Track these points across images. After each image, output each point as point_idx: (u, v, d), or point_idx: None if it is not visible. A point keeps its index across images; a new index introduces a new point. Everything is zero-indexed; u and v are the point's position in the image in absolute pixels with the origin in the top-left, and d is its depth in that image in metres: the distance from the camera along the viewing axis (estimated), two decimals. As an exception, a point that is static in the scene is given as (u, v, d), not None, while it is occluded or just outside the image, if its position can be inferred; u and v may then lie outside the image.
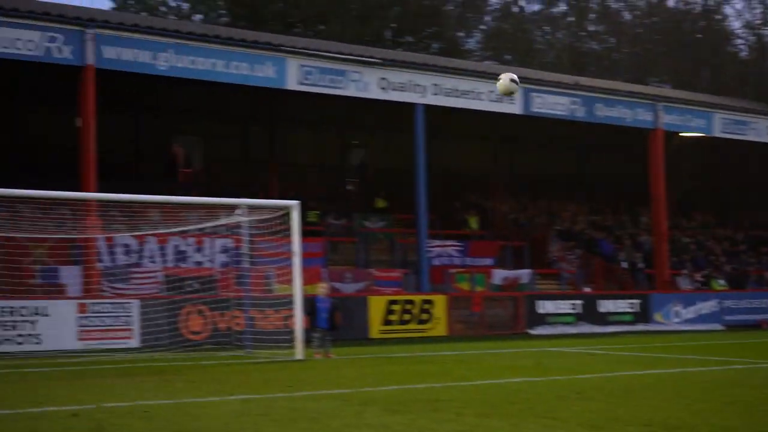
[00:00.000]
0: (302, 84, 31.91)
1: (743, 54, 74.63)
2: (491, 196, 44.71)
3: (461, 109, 35.44)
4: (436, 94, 34.55)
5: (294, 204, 24.30)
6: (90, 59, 28.13)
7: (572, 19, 74.33)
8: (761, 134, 43.54)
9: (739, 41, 75.49)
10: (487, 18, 74.48)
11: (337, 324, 24.33)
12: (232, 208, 25.04)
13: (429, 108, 34.30)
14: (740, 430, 12.57)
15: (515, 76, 18.87)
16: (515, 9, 74.28)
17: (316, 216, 37.24)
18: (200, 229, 27.86)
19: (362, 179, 45.24)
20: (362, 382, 17.90)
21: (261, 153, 41.07)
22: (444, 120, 37.22)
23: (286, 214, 24.47)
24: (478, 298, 34.48)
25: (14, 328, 24.82)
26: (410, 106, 34.20)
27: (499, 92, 19.24)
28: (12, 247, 25.73)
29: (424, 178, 34.36)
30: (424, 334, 31.81)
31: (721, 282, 42.59)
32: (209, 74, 30.41)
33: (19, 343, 24.77)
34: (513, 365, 21.82)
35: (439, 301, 32.79)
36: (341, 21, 62.56)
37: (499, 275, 36.78)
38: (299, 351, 23.35)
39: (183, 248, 30.88)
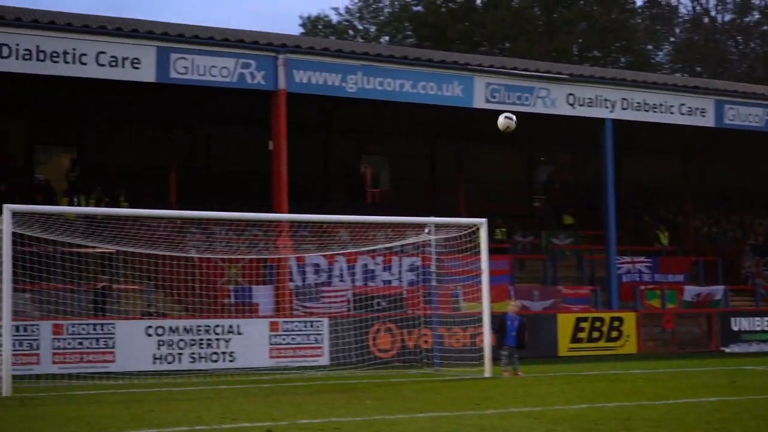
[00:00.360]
0: (489, 102, 31.84)
1: None
2: (682, 211, 43.72)
3: (651, 123, 34.80)
4: (625, 109, 34.03)
5: (482, 222, 24.30)
6: (282, 83, 28.76)
7: (766, 27, 72.16)
8: None
9: None
10: (677, 30, 73.08)
11: (524, 342, 24.19)
12: (420, 226, 25.19)
13: (617, 122, 33.82)
14: None
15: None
16: (706, 20, 72.62)
17: (503, 233, 37.14)
18: (388, 248, 28.13)
19: (549, 196, 44.90)
20: (552, 400, 17.76)
21: (448, 171, 41.20)
22: (633, 134, 36.63)
23: (473, 232, 24.49)
24: (669, 315, 33.79)
25: (209, 346, 25.53)
26: (598, 122, 33.77)
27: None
28: (207, 267, 26.51)
29: (613, 194, 33.86)
30: (614, 352, 31.31)
31: None
32: (397, 95, 30.66)
33: (214, 361, 25.47)
34: (707, 384, 21.28)
35: (629, 319, 32.23)
36: (527, 38, 62.34)
37: (690, 292, 35.90)
38: (487, 369, 23.32)
39: (371, 267, 31.19)
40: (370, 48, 35.42)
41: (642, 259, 37.45)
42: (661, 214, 43.28)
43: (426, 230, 24.98)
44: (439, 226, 24.94)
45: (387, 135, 39.94)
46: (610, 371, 25.03)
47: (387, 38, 67.81)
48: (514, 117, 21.97)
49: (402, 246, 27.68)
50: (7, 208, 20.01)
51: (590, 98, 33.42)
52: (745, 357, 31.01)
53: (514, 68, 32.81)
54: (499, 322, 24.07)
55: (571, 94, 33.09)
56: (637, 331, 32.21)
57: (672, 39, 73.06)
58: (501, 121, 21.80)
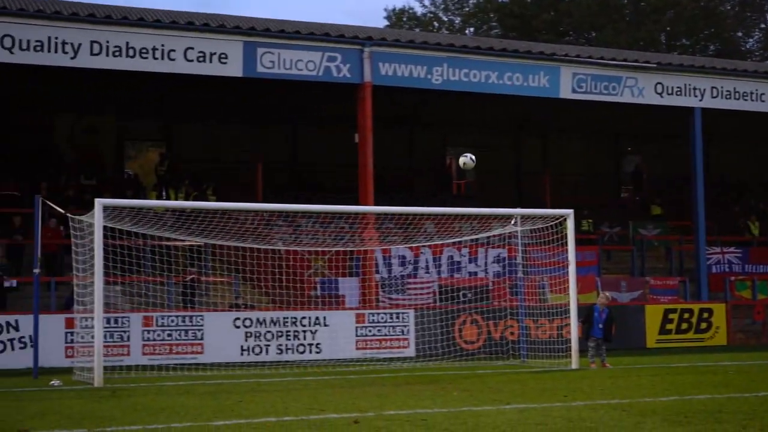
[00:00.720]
0: (576, 92, 31.59)
1: None
2: (774, 201, 43.01)
3: (741, 111, 34.23)
4: (714, 97, 33.52)
5: (568, 212, 24.18)
6: (367, 76, 28.81)
7: None
8: None
9: None
10: None
11: (612, 334, 24.03)
12: (506, 218, 25.11)
13: (706, 111, 33.34)
14: None
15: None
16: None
17: (590, 224, 36.85)
18: (474, 240, 28.08)
19: (636, 186, 44.46)
20: (640, 392, 17.62)
21: (533, 162, 41.03)
22: (722, 123, 36.06)
23: (560, 223, 24.36)
24: (760, 307, 33.27)
25: (296, 337, 25.74)
26: (687, 111, 33.32)
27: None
28: (294, 259, 26.72)
29: (702, 183, 33.38)
30: (703, 344, 30.95)
31: None
32: (483, 86, 30.51)
33: (301, 352, 25.67)
34: (799, 376, 20.96)
35: (719, 310, 31.81)
36: (614, 27, 61.75)
37: (783, 283, 35.39)
38: (575, 360, 23.20)
39: (457, 259, 31.18)
40: (456, 39, 35.31)
41: (732, 249, 36.93)
42: (751, 204, 42.58)
43: (512, 221, 24.91)
44: (525, 218, 24.84)
45: (472, 126, 39.86)
46: (700, 363, 24.73)
47: (472, 29, 67.62)
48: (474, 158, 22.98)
49: (488, 237, 27.58)
50: (98, 202, 20.38)
51: (679, 87, 32.97)
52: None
53: (601, 58, 32.48)
54: (586, 314, 23.96)
55: (659, 83, 32.69)
56: (727, 323, 31.78)
57: (762, 25, 71.79)
58: (462, 159, 23.03)
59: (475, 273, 31.04)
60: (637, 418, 13.98)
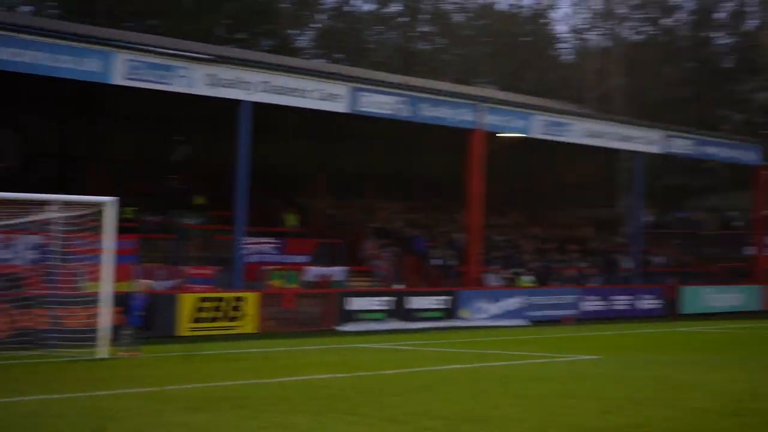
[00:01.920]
0: (129, 78, 31.37)
1: (567, 58, 77.09)
2: (312, 194, 44.74)
3: (288, 106, 35.39)
4: (264, 92, 34.41)
5: (109, 200, 24.01)
6: None
7: (406, 19, 75.10)
8: (576, 135, 44.29)
9: (565, 45, 78.01)
10: (322, 16, 74.62)
11: (150, 322, 24.22)
12: (45, 203, 24.55)
13: (257, 105, 34.15)
14: (529, 421, 13.18)
15: None
16: (349, 8, 74.59)
17: (133, 212, 36.49)
18: (9, 226, 27.08)
19: (183, 175, 44.74)
20: (166, 380, 17.95)
21: (80, 147, 40.36)
22: (271, 117, 37.12)
23: (101, 211, 24.18)
24: (290, 295, 34.37)
25: None
26: (235, 103, 33.96)
27: None
28: None
29: (245, 175, 34.19)
30: (234, 331, 31.49)
31: (529, 279, 43.27)
32: (32, 67, 29.26)
33: None
34: (319, 362, 22.11)
35: (251, 298, 32.66)
36: (173, 16, 61.80)
37: (312, 272, 36.88)
38: (103, 349, 22.94)
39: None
40: (6, 17, 34.08)
41: (270, 240, 38.02)
42: (291, 197, 44.02)
43: (51, 207, 24.41)
44: (65, 204, 24.38)
45: (17, 107, 38.44)
46: (230, 351, 25.37)
47: (31, 8, 65.23)
48: None
49: (25, 223, 26.70)
50: None
51: (230, 80, 33.57)
52: (359, 335, 31.89)
53: (161, 46, 32.44)
54: (124, 302, 23.96)
55: (210, 75, 33.13)
56: (259, 311, 32.61)
57: (315, 25, 74.39)
58: None
59: (8, 260, 30.01)
60: (159, 405, 14.28)
